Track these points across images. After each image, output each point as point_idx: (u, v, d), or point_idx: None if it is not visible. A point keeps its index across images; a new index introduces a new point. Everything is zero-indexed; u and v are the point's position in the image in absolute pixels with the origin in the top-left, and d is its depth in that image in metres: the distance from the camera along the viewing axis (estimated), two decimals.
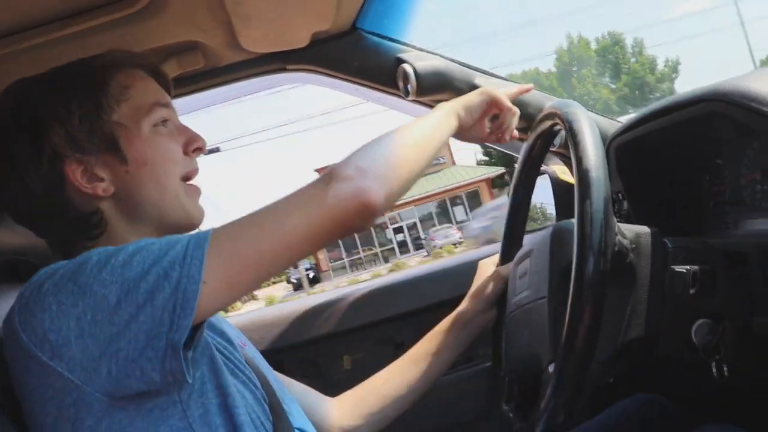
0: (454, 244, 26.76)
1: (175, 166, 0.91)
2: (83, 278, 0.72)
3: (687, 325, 0.97)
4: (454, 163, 35.99)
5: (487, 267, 1.30)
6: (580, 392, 0.87)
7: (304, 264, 33.20)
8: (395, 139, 0.89)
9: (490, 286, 1.24)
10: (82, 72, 0.90)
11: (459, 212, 34.36)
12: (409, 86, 1.46)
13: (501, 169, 34.29)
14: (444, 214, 34.65)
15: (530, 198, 1.31)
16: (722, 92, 0.94)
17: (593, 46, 40.68)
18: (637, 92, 39.57)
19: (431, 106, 1.54)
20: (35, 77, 0.91)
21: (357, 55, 1.49)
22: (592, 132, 0.93)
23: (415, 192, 32.45)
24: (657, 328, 0.98)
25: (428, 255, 27.49)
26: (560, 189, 1.68)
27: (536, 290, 1.06)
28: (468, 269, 1.65)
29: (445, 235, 29.27)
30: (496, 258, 1.32)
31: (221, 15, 1.19)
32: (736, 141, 1.12)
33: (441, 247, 26.69)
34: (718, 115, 0.97)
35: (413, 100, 1.50)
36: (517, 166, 1.29)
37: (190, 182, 0.94)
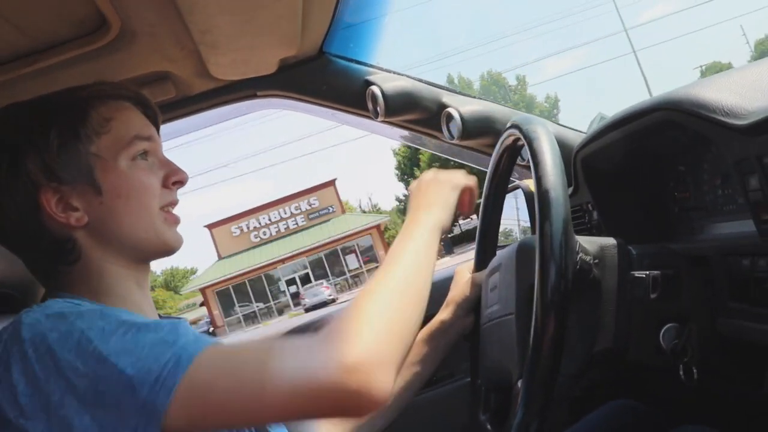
0: (323, 303, 26.66)
1: (152, 200, 0.91)
2: (61, 357, 0.71)
3: (654, 330, 0.99)
4: (344, 212, 36.39)
5: (463, 273, 1.31)
6: (548, 405, 0.88)
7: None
8: (394, 289, 0.83)
9: (467, 293, 1.25)
10: (65, 102, 0.90)
11: (351, 261, 34.54)
12: (378, 108, 1.48)
13: (387, 217, 35.15)
14: (337, 264, 34.86)
15: (500, 212, 1.33)
16: (673, 101, 0.96)
17: (476, 86, 41.06)
18: None
19: (402, 127, 1.57)
20: (23, 103, 0.91)
21: (325, 79, 1.51)
22: (552, 151, 0.95)
23: (306, 242, 33.27)
24: (625, 337, 1.00)
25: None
26: (532, 202, 1.70)
27: (504, 306, 1.08)
28: (443, 286, 1.66)
29: (314, 293, 29.34)
30: (472, 264, 1.33)
31: (189, 44, 1.21)
32: (695, 148, 1.14)
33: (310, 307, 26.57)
34: (673, 123, 0.99)
35: (383, 121, 1.52)
36: (485, 181, 1.31)
37: (170, 211, 0.95)
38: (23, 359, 0.72)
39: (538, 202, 0.92)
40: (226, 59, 1.32)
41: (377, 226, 34.18)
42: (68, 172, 0.87)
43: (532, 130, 1.01)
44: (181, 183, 0.95)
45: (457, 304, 1.25)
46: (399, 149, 38.78)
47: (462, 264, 1.36)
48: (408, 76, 1.52)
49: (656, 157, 1.25)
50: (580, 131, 1.51)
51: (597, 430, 1.23)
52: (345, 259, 34.67)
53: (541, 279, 0.88)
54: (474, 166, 1.69)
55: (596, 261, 0.99)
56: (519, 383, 0.96)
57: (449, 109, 1.50)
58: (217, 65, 1.33)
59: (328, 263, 34.78)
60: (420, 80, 1.53)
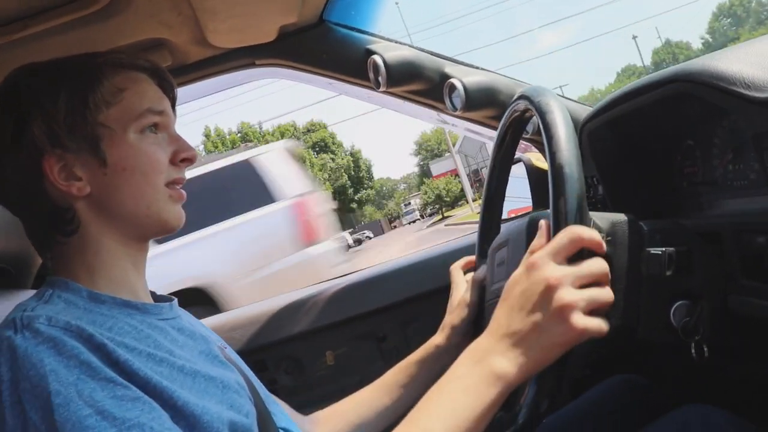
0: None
1: (158, 175, 0.88)
2: (29, 413, 0.68)
3: (665, 307, 0.98)
4: None
5: (459, 276, 1.24)
6: (560, 381, 0.87)
7: None
8: None
9: (464, 315, 1.17)
10: (78, 68, 0.87)
11: None
12: (380, 77, 1.45)
13: None
14: None
15: (505, 185, 1.30)
16: (690, 72, 0.94)
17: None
18: None
19: (403, 98, 1.54)
20: (36, 65, 0.88)
21: (326, 48, 1.48)
22: (566, 124, 0.93)
23: None
24: (636, 314, 0.98)
25: None
26: (536, 176, 1.68)
27: None
28: (446, 260, 1.64)
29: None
30: (464, 261, 1.29)
31: (186, 10, 1.17)
32: (706, 121, 1.12)
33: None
34: (688, 95, 0.97)
35: (384, 91, 1.49)
36: (490, 154, 1.28)
37: (175, 188, 0.91)
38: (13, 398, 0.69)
39: (552, 178, 0.89)
40: (224, 26, 1.28)
41: None
42: (74, 140, 0.84)
43: (545, 102, 0.98)
44: (189, 161, 0.92)
45: (453, 328, 1.16)
46: None
47: (456, 264, 1.27)
48: (410, 46, 1.48)
49: (665, 131, 1.23)
50: (585, 104, 1.49)
51: (600, 404, 1.22)
52: None
53: None
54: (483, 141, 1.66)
55: (608, 238, 0.97)
56: None
57: (452, 80, 1.47)
58: (215, 32, 1.29)
59: None
60: (422, 50, 1.49)
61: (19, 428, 0.68)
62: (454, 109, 1.49)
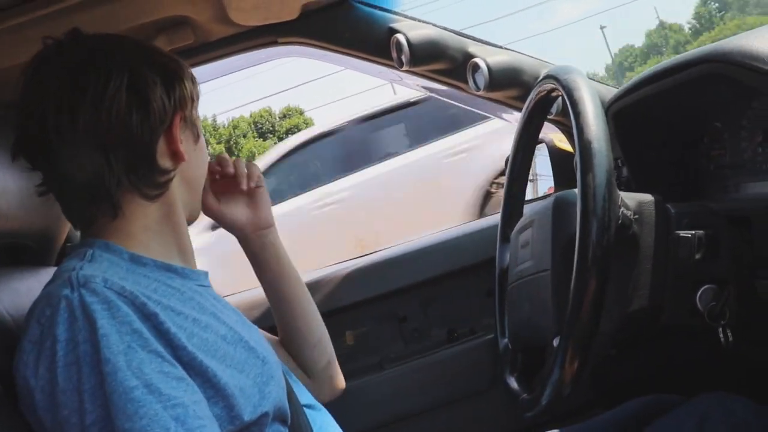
0: None
1: (204, 172, 0.97)
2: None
3: (691, 291, 0.97)
4: None
5: None
6: (585, 365, 0.87)
7: None
8: None
9: None
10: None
11: None
12: (403, 56, 1.43)
13: None
14: None
15: (529, 166, 1.30)
16: (723, 53, 0.92)
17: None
18: None
19: (425, 77, 1.53)
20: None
21: (349, 26, 1.46)
22: (593, 101, 0.92)
23: None
24: (661, 297, 0.98)
25: None
26: (558, 157, 1.66)
27: (539, 262, 1.05)
28: (467, 241, 1.64)
29: None
30: None
31: None
32: (735, 103, 1.10)
33: None
34: (719, 76, 0.96)
35: (407, 71, 1.47)
36: (514, 134, 1.27)
37: None
38: (52, 357, 0.70)
39: (580, 154, 0.89)
40: (247, 3, 1.27)
41: None
42: (192, 110, 0.91)
43: (572, 79, 0.97)
44: None
45: None
46: None
47: None
48: (434, 25, 1.47)
49: (692, 113, 1.21)
50: (610, 86, 1.47)
51: (626, 418, 1.16)
52: None
53: (583, 233, 0.85)
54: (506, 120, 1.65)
55: (636, 216, 0.96)
56: (554, 341, 0.95)
57: (476, 59, 1.45)
58: (238, 10, 1.28)
59: None
60: (446, 29, 1.48)
61: (69, 391, 0.69)
62: (477, 88, 1.47)
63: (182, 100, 0.88)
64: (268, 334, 1.12)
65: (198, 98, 0.93)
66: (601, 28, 49.33)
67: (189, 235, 0.93)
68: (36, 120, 0.80)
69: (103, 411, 0.68)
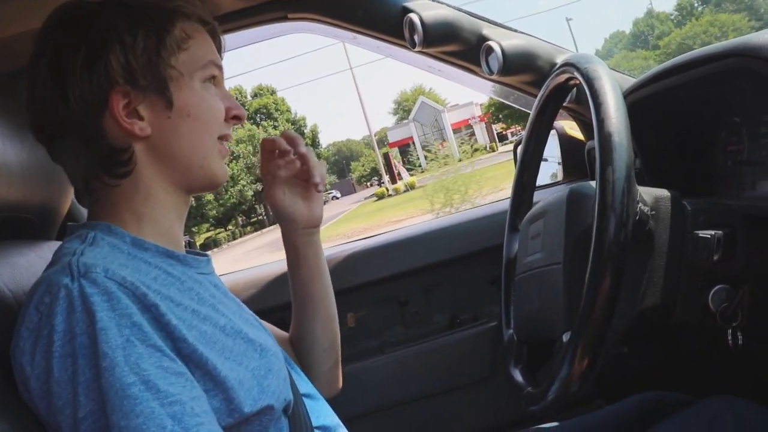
0: None
1: (215, 126, 0.89)
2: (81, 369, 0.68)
3: (704, 291, 0.95)
4: None
5: None
6: (595, 362, 0.85)
7: None
8: None
9: None
10: (154, 8, 0.86)
11: None
12: (416, 36, 1.40)
13: None
14: None
15: (541, 153, 1.27)
16: (751, 47, 0.90)
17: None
18: None
19: (438, 59, 1.49)
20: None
21: (361, 4, 1.43)
22: (615, 92, 0.89)
23: None
24: (674, 295, 0.96)
25: None
26: (568, 145, 1.64)
27: (550, 254, 1.03)
28: (472, 227, 1.62)
29: None
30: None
31: None
32: (756, 98, 1.08)
33: None
34: (743, 70, 0.93)
35: (420, 51, 1.44)
36: (529, 120, 1.24)
37: (223, 144, 0.91)
38: (49, 347, 0.69)
39: (600, 147, 0.86)
40: None
41: None
42: (145, 78, 0.83)
43: (593, 69, 0.94)
44: (239, 119, 0.92)
45: None
46: None
47: None
48: (448, 5, 1.43)
49: (710, 107, 1.18)
50: (627, 75, 1.44)
51: (626, 415, 1.16)
52: None
53: (600, 227, 0.83)
54: (511, 104, 1.62)
55: (653, 212, 0.94)
56: (564, 336, 0.93)
57: (490, 42, 1.42)
58: None
59: None
60: (461, 10, 1.44)
61: (64, 382, 0.68)
62: (490, 72, 1.44)
63: (116, 75, 0.81)
64: (276, 329, 1.11)
65: (166, 59, 0.84)
66: (568, 20, 49.04)
67: (179, 214, 0.90)
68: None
69: (96, 405, 0.67)
